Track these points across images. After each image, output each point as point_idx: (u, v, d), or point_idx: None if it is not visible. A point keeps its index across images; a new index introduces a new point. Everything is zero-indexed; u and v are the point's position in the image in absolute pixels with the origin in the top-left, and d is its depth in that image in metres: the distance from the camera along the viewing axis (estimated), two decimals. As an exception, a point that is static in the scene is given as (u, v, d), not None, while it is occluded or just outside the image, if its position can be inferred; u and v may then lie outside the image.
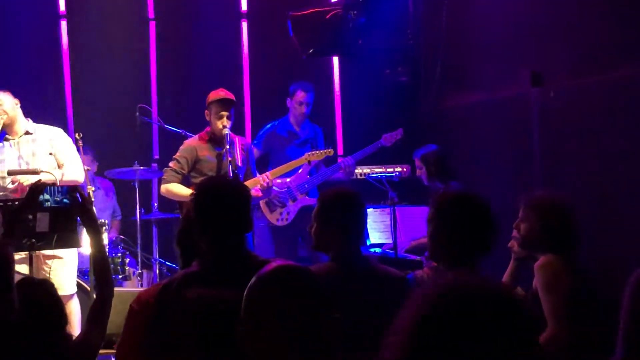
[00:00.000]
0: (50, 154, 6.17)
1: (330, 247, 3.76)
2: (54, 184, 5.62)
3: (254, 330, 2.30)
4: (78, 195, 3.60)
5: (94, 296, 3.55)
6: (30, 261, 5.13)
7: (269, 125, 7.66)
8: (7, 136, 6.20)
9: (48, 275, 5.87)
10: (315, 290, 2.34)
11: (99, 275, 3.50)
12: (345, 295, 3.17)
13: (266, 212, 7.35)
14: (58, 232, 4.27)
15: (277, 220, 7.30)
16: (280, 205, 7.30)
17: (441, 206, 3.31)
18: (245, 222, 3.36)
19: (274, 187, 7.01)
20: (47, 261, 5.92)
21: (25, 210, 3.78)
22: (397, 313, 1.71)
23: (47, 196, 3.83)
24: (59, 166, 6.20)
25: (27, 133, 6.20)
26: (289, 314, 2.28)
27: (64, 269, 6.00)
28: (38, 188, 3.75)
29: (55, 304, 3.25)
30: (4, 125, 6.12)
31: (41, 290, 3.23)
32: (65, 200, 3.66)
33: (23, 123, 6.24)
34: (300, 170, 7.24)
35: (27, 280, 3.43)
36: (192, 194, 3.47)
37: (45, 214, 3.80)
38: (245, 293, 2.35)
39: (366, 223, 3.94)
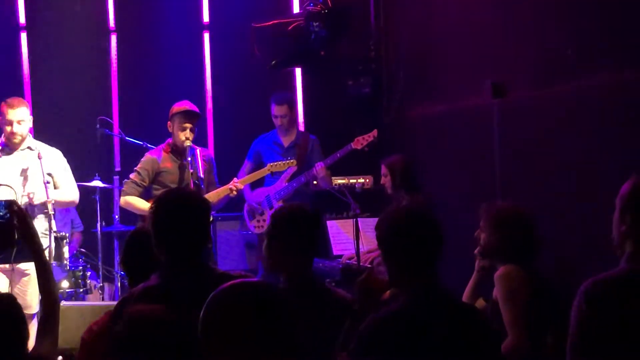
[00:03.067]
0: (48, 174, 6.16)
1: (282, 268, 3.66)
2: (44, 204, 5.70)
3: (212, 351, 2.26)
4: (16, 209, 3.55)
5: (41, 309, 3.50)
6: None
7: (258, 138, 7.73)
8: (6, 148, 6.15)
9: (18, 292, 5.87)
10: (274, 307, 2.29)
11: (42, 287, 3.45)
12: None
13: (247, 220, 7.57)
14: None
15: (255, 227, 7.43)
16: (259, 213, 7.39)
17: (383, 229, 3.19)
18: (204, 234, 3.34)
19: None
20: (23, 278, 5.92)
21: None
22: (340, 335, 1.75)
23: None
24: (55, 186, 6.21)
25: (29, 148, 6.18)
26: (247, 334, 2.23)
27: (30, 285, 5.96)
28: None
29: (17, 319, 3.19)
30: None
31: (4, 306, 3.17)
32: (6, 215, 3.59)
33: (28, 138, 6.23)
34: (281, 177, 7.35)
35: None
36: (151, 206, 3.45)
37: None
38: (201, 313, 2.31)
39: (317, 240, 3.77)
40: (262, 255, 7.28)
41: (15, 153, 6.17)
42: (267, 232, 3.69)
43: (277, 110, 7.56)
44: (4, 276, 5.86)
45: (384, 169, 6.71)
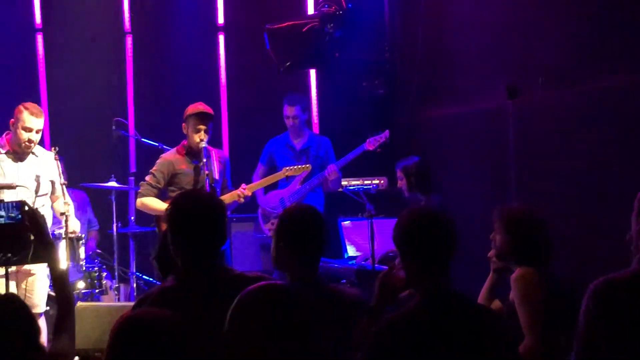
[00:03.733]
0: (50, 181, 6.16)
1: (287, 267, 3.67)
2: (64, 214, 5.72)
3: (237, 350, 2.29)
4: (27, 209, 3.57)
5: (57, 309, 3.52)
6: (6, 277, 5.10)
7: (270, 140, 7.75)
8: (12, 153, 6.12)
9: (24, 292, 5.88)
10: (296, 310, 2.33)
11: (57, 288, 3.48)
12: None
13: (261, 223, 7.61)
14: (10, 249, 4.20)
15: (269, 229, 7.45)
16: (273, 215, 7.42)
17: (398, 229, 3.20)
18: (220, 236, 3.36)
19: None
20: (28, 278, 5.94)
21: None
22: (351, 333, 1.81)
23: (2, 212, 3.78)
24: (53, 193, 6.21)
25: (33, 154, 6.15)
26: (272, 335, 2.26)
27: (36, 285, 5.99)
28: None
29: (26, 318, 3.21)
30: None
31: (11, 306, 3.19)
32: (18, 215, 3.60)
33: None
34: (294, 180, 7.37)
35: None
36: (167, 208, 3.47)
37: None
38: (228, 315, 2.34)
39: (324, 243, 3.72)
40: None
41: (26, 159, 6.14)
42: (274, 231, 3.68)
43: (289, 110, 7.58)
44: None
45: (399, 173, 6.72)
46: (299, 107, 7.61)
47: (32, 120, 5.99)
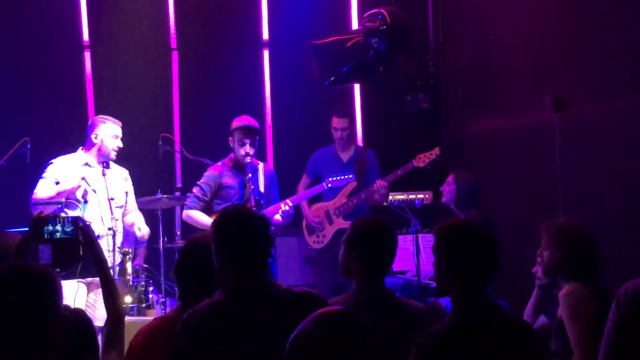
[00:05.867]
0: (125, 192, 6.34)
1: (355, 275, 3.74)
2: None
3: None
4: (81, 225, 3.63)
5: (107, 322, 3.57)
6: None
7: (316, 152, 7.77)
8: (88, 165, 6.33)
9: (90, 303, 6.00)
10: (363, 341, 2.34)
11: (107, 302, 3.52)
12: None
13: (306, 236, 7.62)
14: (62, 263, 4.29)
15: (314, 242, 7.46)
16: (318, 229, 7.42)
17: (441, 237, 3.22)
18: (264, 251, 3.38)
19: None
20: (97, 289, 6.05)
21: (30, 243, 3.79)
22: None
23: (58, 227, 3.84)
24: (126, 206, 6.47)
25: (104, 165, 6.36)
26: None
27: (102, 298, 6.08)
28: (41, 220, 3.77)
29: (90, 332, 3.26)
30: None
31: (78, 318, 3.24)
32: (72, 231, 3.68)
33: None
34: (340, 193, 7.37)
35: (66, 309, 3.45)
36: (212, 224, 3.50)
37: (48, 245, 3.80)
38: (288, 343, 2.36)
39: (394, 255, 3.84)
40: (323, 269, 7.41)
41: (97, 167, 6.32)
42: (345, 239, 3.76)
43: (338, 123, 7.58)
44: (83, 284, 6.01)
45: (451, 179, 6.63)
46: (348, 119, 7.63)
47: (119, 129, 6.43)
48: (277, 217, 6.70)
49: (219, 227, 3.44)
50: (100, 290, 5.91)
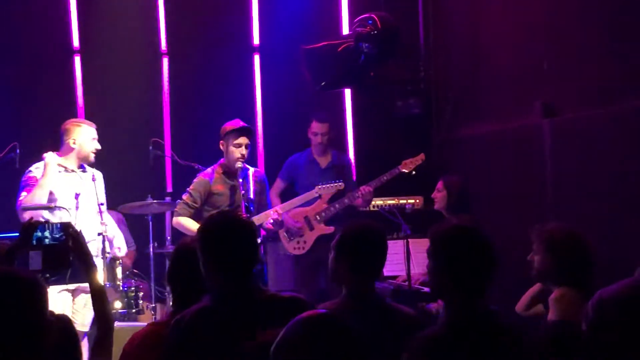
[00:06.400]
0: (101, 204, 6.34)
1: (345, 281, 3.74)
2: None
3: None
4: (71, 231, 3.61)
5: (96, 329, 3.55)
6: None
7: (292, 157, 7.69)
8: (71, 169, 6.27)
9: (74, 308, 5.98)
10: (348, 344, 2.32)
11: (97, 309, 3.50)
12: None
13: (284, 242, 7.40)
14: (52, 269, 4.28)
15: (294, 249, 7.34)
16: (297, 234, 7.32)
17: (437, 241, 3.21)
18: (250, 257, 3.37)
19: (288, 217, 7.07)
20: (81, 294, 6.03)
21: (18, 249, 3.78)
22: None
23: (46, 233, 3.83)
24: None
25: (80, 169, 6.30)
26: None
27: (88, 304, 6.04)
28: (31, 226, 3.75)
29: (74, 339, 3.24)
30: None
31: (63, 325, 3.22)
32: (62, 237, 3.66)
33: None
34: (320, 199, 7.25)
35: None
36: (197, 230, 3.49)
37: (38, 252, 3.79)
38: (273, 348, 2.34)
39: (384, 260, 3.82)
40: (306, 275, 7.34)
41: (77, 172, 6.27)
42: (336, 244, 3.73)
43: (319, 127, 7.52)
44: (67, 291, 5.99)
45: (441, 185, 6.67)
46: (329, 125, 7.58)
47: (95, 131, 6.36)
48: (267, 224, 6.68)
49: (204, 233, 3.43)
50: (88, 295, 5.92)
